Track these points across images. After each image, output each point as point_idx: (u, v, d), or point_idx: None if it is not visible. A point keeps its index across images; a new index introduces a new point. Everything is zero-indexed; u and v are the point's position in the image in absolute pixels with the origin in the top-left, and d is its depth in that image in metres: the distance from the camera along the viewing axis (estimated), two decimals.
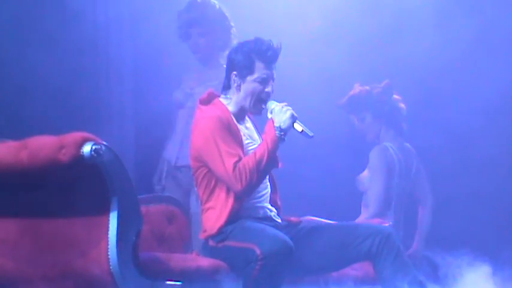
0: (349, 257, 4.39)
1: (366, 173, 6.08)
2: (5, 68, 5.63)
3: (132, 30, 6.22)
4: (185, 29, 5.75)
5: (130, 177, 3.87)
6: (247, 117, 4.55)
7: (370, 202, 5.96)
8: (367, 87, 6.12)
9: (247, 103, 4.41)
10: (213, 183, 4.33)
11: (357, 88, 6.12)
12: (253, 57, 4.36)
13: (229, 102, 4.44)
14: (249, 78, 4.37)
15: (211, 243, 4.30)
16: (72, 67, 5.82)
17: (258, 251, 4.05)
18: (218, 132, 4.27)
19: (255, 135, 4.51)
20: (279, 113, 4.31)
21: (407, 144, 6.10)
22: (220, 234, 4.26)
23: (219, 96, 4.49)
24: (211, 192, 4.34)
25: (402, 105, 6.12)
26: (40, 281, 3.76)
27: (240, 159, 4.25)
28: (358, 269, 4.86)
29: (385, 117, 6.06)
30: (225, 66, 5.43)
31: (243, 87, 4.39)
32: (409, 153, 6.09)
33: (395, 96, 6.11)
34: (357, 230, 4.38)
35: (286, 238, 4.12)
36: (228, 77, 4.44)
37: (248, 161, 4.24)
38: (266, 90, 4.38)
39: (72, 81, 5.78)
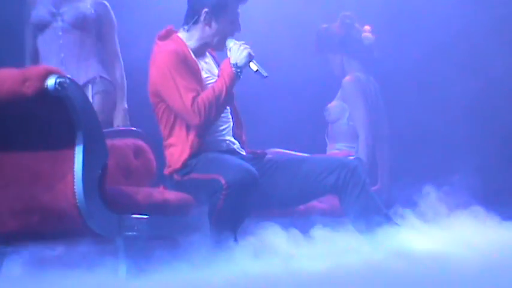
0: (315, 190, 4.39)
1: (335, 103, 6.06)
2: None
3: None
4: None
5: (95, 111, 3.83)
6: (207, 53, 4.52)
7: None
8: (325, 25, 6.10)
9: (213, 40, 4.40)
10: (172, 118, 4.33)
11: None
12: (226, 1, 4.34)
13: (189, 37, 4.41)
14: (222, 17, 4.35)
15: (176, 177, 4.30)
16: None
17: (222, 181, 4.05)
18: (175, 66, 4.25)
19: (215, 70, 4.48)
20: (236, 50, 4.31)
21: (371, 78, 6.10)
22: (185, 167, 4.26)
23: (177, 32, 4.45)
24: (172, 127, 4.33)
25: (366, 35, 6.07)
26: (6, 214, 3.75)
27: (198, 94, 4.24)
28: (325, 202, 4.89)
29: (341, 48, 6.04)
30: None
31: (214, 25, 4.37)
32: (375, 87, 6.09)
33: (365, 27, 6.07)
34: (323, 163, 4.38)
35: (251, 167, 4.13)
36: (196, 12, 4.39)
37: (207, 96, 4.24)
38: (235, 31, 4.38)
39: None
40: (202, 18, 4.36)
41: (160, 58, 4.30)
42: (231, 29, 4.37)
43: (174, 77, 4.23)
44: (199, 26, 4.39)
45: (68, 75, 3.66)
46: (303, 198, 4.47)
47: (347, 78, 6.01)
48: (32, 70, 3.61)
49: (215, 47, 4.46)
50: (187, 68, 4.29)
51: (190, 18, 4.40)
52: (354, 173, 4.31)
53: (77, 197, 3.67)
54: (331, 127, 6.08)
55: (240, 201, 4.07)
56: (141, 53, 4.73)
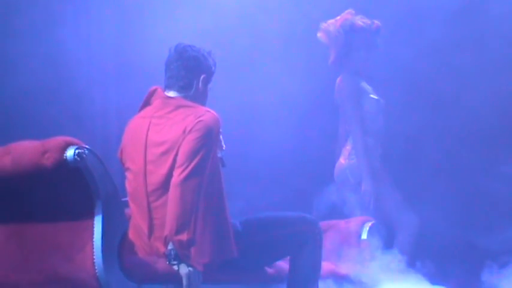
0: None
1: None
2: None
3: (114, 30, 6.19)
4: None
5: (114, 180, 3.85)
6: None
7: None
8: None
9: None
10: None
11: None
12: (215, 67, 4.37)
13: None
14: (209, 85, 4.35)
15: None
16: (53, 68, 5.79)
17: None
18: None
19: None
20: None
21: None
22: None
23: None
24: None
25: None
26: (26, 286, 3.75)
27: None
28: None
29: None
30: None
31: (204, 90, 4.31)
32: None
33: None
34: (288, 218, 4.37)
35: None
36: (192, 78, 4.30)
37: None
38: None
39: (53, 83, 5.75)
40: (200, 83, 4.29)
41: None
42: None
43: None
44: (193, 91, 4.30)
45: (87, 146, 3.70)
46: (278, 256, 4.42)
47: None
48: (52, 142, 3.64)
49: None
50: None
51: (186, 84, 4.29)
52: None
53: (96, 267, 3.67)
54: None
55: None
56: None
